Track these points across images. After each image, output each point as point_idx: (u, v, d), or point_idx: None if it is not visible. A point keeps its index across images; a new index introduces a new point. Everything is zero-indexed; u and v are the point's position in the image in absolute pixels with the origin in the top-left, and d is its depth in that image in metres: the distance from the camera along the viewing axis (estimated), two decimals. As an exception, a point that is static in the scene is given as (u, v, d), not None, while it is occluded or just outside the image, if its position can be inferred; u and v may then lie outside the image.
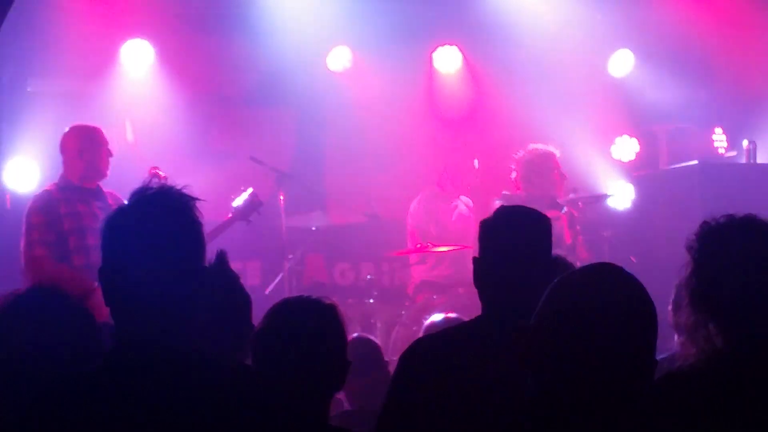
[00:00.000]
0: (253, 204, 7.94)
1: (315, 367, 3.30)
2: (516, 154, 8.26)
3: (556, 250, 5.38)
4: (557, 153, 8.27)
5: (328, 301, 3.44)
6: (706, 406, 2.76)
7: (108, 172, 7.19)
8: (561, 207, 8.03)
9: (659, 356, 4.18)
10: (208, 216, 2.62)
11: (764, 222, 2.94)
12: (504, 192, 8.18)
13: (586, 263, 6.28)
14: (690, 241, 2.94)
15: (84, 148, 7.11)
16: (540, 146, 8.28)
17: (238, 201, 7.95)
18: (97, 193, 7.14)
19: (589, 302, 2.21)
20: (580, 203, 8.36)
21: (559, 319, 2.22)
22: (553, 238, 5.56)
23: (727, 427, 2.71)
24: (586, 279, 2.28)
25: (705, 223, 2.95)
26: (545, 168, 8.15)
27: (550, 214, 6.38)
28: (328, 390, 3.37)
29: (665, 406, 2.79)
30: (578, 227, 8.13)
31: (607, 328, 2.19)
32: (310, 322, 3.35)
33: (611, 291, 2.24)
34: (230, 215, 7.86)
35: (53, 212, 6.92)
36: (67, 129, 7.24)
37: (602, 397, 2.20)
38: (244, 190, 8.00)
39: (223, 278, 3.55)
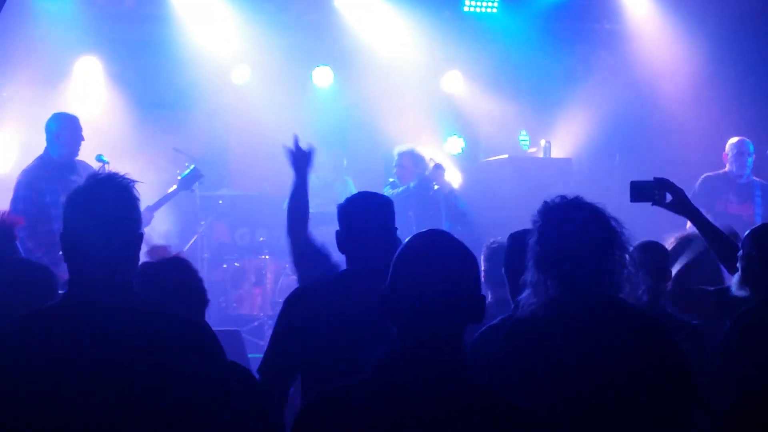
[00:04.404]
0: (194, 176, 8.34)
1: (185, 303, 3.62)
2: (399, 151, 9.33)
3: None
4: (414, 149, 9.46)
5: (183, 258, 3.89)
6: (544, 338, 3.10)
7: (77, 150, 7.64)
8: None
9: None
10: (144, 194, 2.91)
11: (588, 203, 3.17)
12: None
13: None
14: (534, 216, 3.18)
15: (60, 131, 7.65)
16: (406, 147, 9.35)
17: (183, 174, 8.30)
18: (72, 166, 7.62)
19: (424, 260, 2.37)
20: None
21: (402, 276, 2.38)
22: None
23: (567, 346, 3.07)
24: (420, 243, 2.41)
25: (545, 203, 3.18)
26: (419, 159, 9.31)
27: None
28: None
29: (520, 340, 3.14)
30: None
31: (439, 279, 2.34)
32: (173, 273, 3.73)
33: (440, 250, 2.38)
34: (175, 186, 8.18)
35: (36, 187, 7.49)
36: (49, 116, 7.71)
37: (444, 333, 2.35)
38: (188, 166, 8.38)
39: None
